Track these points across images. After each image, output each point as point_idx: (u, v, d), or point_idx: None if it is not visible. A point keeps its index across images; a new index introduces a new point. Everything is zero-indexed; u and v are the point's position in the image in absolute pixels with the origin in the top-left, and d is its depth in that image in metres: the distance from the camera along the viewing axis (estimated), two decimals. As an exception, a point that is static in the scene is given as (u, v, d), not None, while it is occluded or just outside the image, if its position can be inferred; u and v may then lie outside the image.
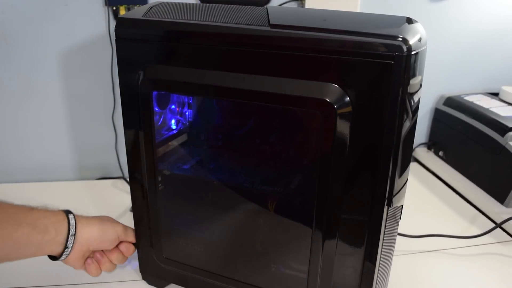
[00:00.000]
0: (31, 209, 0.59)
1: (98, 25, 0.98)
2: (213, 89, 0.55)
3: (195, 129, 0.73)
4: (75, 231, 0.61)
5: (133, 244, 0.71)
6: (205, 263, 0.69)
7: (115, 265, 0.70)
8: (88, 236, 0.63)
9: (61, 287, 0.71)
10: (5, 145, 1.06)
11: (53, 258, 0.63)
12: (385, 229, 0.54)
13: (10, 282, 0.71)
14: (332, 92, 0.48)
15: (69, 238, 0.61)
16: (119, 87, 0.60)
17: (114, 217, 0.81)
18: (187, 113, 0.73)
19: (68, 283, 0.72)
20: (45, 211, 0.60)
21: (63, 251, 0.61)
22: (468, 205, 1.01)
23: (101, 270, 0.68)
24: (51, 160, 1.10)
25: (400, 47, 0.44)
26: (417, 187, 1.09)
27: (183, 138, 0.73)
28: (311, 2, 0.99)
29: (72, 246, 0.61)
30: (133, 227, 0.70)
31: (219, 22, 0.52)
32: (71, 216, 0.62)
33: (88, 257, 0.67)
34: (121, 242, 0.69)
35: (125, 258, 0.71)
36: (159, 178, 0.66)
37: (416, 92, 0.50)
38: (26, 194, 1.01)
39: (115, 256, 0.69)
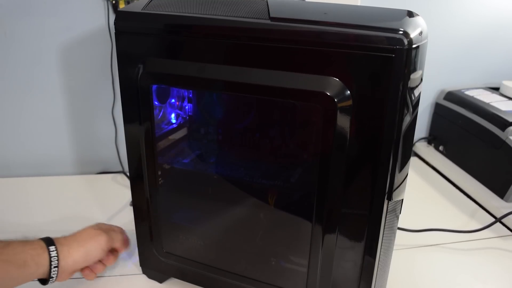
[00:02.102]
0: (7, 244, 0.57)
1: (97, 18, 0.98)
2: (213, 82, 0.55)
3: (195, 123, 0.73)
4: (58, 262, 0.60)
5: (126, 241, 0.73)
6: (205, 257, 0.69)
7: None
8: (72, 263, 0.62)
9: (62, 284, 0.71)
10: (5, 139, 1.06)
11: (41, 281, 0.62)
12: (385, 223, 0.54)
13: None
14: (332, 85, 0.47)
15: (52, 270, 0.59)
16: (119, 81, 0.60)
17: (114, 211, 0.82)
18: (187, 107, 0.73)
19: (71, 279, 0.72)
20: (23, 244, 0.58)
21: (48, 280, 0.60)
22: (468, 199, 1.01)
23: (95, 273, 0.69)
24: (51, 155, 1.10)
25: (401, 41, 0.44)
26: (417, 181, 1.09)
27: (183, 132, 0.73)
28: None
29: (56, 276, 0.61)
30: (132, 221, 0.70)
31: (219, 15, 0.52)
32: (51, 248, 0.60)
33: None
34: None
35: (115, 258, 0.72)
36: (159, 172, 0.65)
37: (417, 86, 0.50)
38: (26, 189, 1.01)
39: (105, 261, 0.70)
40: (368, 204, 0.52)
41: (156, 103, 0.65)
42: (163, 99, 0.68)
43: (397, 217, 0.56)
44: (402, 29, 0.44)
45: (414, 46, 0.44)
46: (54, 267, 0.59)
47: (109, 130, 1.08)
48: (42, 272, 0.59)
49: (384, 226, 0.54)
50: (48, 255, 0.59)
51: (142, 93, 0.59)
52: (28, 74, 1.00)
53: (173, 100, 0.71)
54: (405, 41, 0.44)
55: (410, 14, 0.49)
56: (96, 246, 0.66)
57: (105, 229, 0.70)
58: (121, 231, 0.74)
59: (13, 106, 1.03)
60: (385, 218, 0.53)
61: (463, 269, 0.77)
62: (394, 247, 0.59)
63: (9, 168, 1.08)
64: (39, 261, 0.58)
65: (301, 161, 0.67)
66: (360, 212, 0.53)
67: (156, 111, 0.65)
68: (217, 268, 0.67)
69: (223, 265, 0.67)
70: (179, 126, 0.72)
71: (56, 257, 0.60)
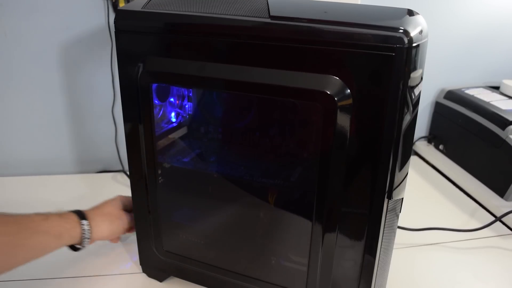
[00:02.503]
0: (47, 217, 0.63)
1: (97, 17, 0.97)
2: (213, 81, 0.54)
3: (195, 121, 0.73)
4: (87, 235, 0.67)
5: None
6: (205, 256, 0.69)
7: None
8: (100, 236, 0.70)
9: (63, 280, 0.71)
10: (5, 138, 1.06)
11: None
12: (385, 222, 0.54)
13: (13, 276, 0.71)
14: (332, 84, 0.47)
15: (83, 241, 0.67)
16: (119, 80, 0.60)
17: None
18: (187, 106, 0.73)
19: (69, 276, 0.72)
20: (59, 217, 0.65)
21: (79, 249, 0.68)
22: (468, 198, 1.01)
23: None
24: (51, 154, 1.10)
25: (401, 39, 0.44)
26: (417, 180, 1.09)
27: (183, 131, 0.73)
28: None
29: (86, 245, 0.68)
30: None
31: (219, 13, 0.52)
32: (84, 222, 0.66)
33: None
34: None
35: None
36: (159, 171, 0.65)
37: (417, 85, 0.49)
38: (26, 187, 1.01)
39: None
40: (368, 203, 0.52)
41: (156, 102, 0.65)
42: (163, 98, 0.68)
43: (397, 216, 0.56)
44: (402, 28, 0.44)
45: (414, 44, 0.44)
46: (86, 238, 0.66)
47: (109, 129, 1.08)
48: (74, 241, 0.66)
49: (384, 225, 0.54)
50: (80, 229, 0.66)
51: (142, 92, 0.59)
52: (28, 73, 1.00)
53: (173, 99, 0.70)
54: (406, 40, 0.44)
55: (410, 12, 0.49)
56: (120, 226, 0.72)
57: (129, 208, 0.75)
58: None
59: (13, 105, 1.03)
60: (385, 217, 0.53)
61: (463, 268, 0.77)
62: (394, 246, 0.59)
63: (9, 167, 1.08)
64: (72, 234, 0.65)
65: (301, 160, 0.67)
66: (360, 211, 0.53)
67: (156, 110, 0.65)
68: (217, 267, 0.67)
69: (223, 264, 0.67)
70: (179, 125, 0.72)
71: (88, 231, 0.67)
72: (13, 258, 0.58)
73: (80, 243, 0.67)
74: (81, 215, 0.68)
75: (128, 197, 0.75)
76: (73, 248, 0.68)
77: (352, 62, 0.47)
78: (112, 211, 0.72)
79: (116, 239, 0.76)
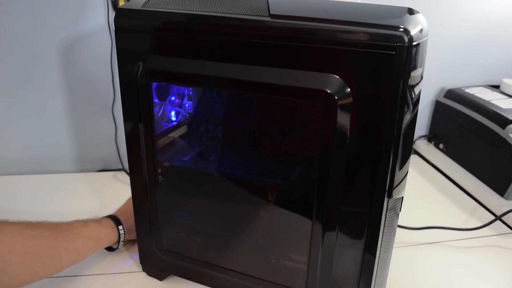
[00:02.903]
0: (86, 223, 0.70)
1: (97, 16, 0.97)
2: (213, 80, 0.54)
3: (195, 120, 0.73)
4: (124, 238, 0.74)
5: None
6: (205, 255, 0.69)
7: None
8: (132, 237, 0.76)
9: (63, 279, 0.71)
10: (5, 137, 1.06)
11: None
12: (385, 221, 0.54)
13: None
14: (332, 83, 0.47)
15: (120, 244, 0.75)
16: (119, 79, 0.60)
17: (114, 209, 0.82)
18: (187, 105, 0.73)
19: (70, 275, 0.72)
20: (97, 224, 0.71)
21: (115, 249, 0.76)
22: (468, 197, 1.01)
23: None
24: (51, 152, 1.10)
25: (401, 38, 0.44)
26: (417, 179, 1.09)
27: (183, 129, 0.73)
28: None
29: (121, 246, 0.76)
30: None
31: (219, 12, 0.52)
32: (120, 227, 0.74)
33: None
34: None
35: None
36: (159, 170, 0.65)
37: (417, 84, 0.49)
38: (26, 187, 1.01)
39: None
40: (368, 202, 0.52)
41: (156, 100, 0.65)
42: (163, 96, 0.68)
43: (397, 215, 0.56)
44: (402, 27, 0.44)
45: (414, 43, 0.44)
46: (121, 241, 0.74)
47: (109, 128, 1.08)
48: (111, 244, 0.74)
49: (384, 224, 0.54)
50: (118, 233, 0.73)
51: (142, 91, 0.58)
52: (27, 72, 1.00)
53: (173, 98, 0.70)
54: (406, 39, 0.44)
55: (411, 11, 0.49)
56: None
57: None
58: None
59: (12, 104, 1.03)
60: (385, 216, 0.53)
61: (463, 267, 0.77)
62: (394, 245, 0.59)
63: (9, 166, 1.08)
64: (110, 238, 0.72)
65: (301, 158, 0.67)
66: (360, 210, 0.53)
67: (156, 109, 0.65)
68: (217, 265, 0.67)
69: (223, 263, 0.67)
70: (179, 124, 0.72)
71: (123, 234, 0.74)
72: (61, 260, 0.64)
73: (117, 245, 0.75)
74: (115, 220, 0.74)
75: None
76: (109, 249, 0.76)
77: (352, 60, 0.47)
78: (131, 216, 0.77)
79: None
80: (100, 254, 0.77)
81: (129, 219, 0.75)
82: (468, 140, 1.07)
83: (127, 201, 0.81)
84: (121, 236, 0.74)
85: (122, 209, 0.79)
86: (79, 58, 1.01)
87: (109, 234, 0.72)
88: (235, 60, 0.52)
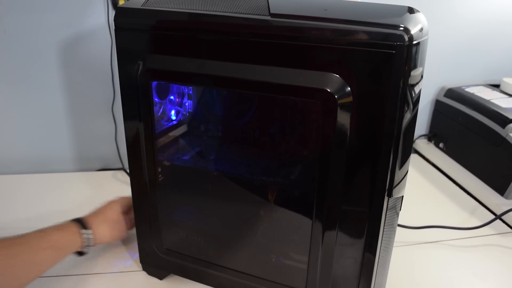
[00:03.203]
0: (46, 233, 0.65)
1: (97, 15, 0.97)
2: (213, 79, 0.54)
3: (195, 119, 0.73)
4: (90, 242, 0.70)
5: None
6: (205, 254, 0.69)
7: None
8: (101, 241, 0.72)
9: (62, 278, 0.72)
10: (4, 136, 1.06)
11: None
12: (385, 220, 0.54)
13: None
14: (333, 82, 0.47)
15: (85, 249, 0.70)
16: (119, 78, 0.60)
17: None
18: (186, 104, 0.73)
19: (69, 274, 0.72)
20: (59, 231, 0.67)
21: (83, 254, 0.71)
22: (468, 196, 1.01)
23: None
24: (51, 152, 1.10)
25: (401, 37, 0.44)
26: (417, 178, 1.09)
27: (183, 129, 0.73)
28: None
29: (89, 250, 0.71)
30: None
31: (219, 11, 0.52)
32: (84, 232, 0.69)
33: None
34: None
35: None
36: (159, 169, 0.65)
37: (417, 83, 0.49)
38: (26, 186, 1.01)
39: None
40: (368, 201, 0.52)
41: (156, 99, 0.65)
42: (163, 95, 0.68)
43: (397, 214, 0.56)
44: (402, 25, 0.44)
45: (414, 42, 0.44)
46: (87, 246, 0.69)
47: (109, 127, 1.08)
48: (77, 249, 0.69)
49: (384, 223, 0.54)
50: (82, 239, 0.68)
51: (142, 90, 0.58)
52: (27, 71, 1.00)
53: (173, 97, 0.70)
54: (406, 38, 0.44)
55: (411, 10, 0.49)
56: (121, 231, 0.75)
57: (129, 209, 0.76)
58: None
59: (13, 103, 1.03)
60: (385, 215, 0.53)
61: (463, 266, 0.77)
62: (394, 244, 0.59)
63: (9, 165, 1.08)
64: (74, 244, 0.68)
65: (301, 157, 0.67)
66: (360, 209, 0.53)
67: (156, 108, 0.65)
68: (217, 264, 0.67)
69: (223, 262, 0.67)
70: (179, 123, 0.72)
71: (89, 239, 0.69)
72: (20, 277, 0.60)
73: (82, 249, 0.70)
74: (81, 223, 0.69)
75: (128, 197, 0.76)
76: (78, 253, 0.70)
77: (352, 59, 0.47)
78: (112, 216, 0.74)
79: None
80: (100, 253, 0.77)
81: (103, 224, 0.72)
82: (468, 139, 1.07)
83: (108, 204, 0.76)
84: (85, 241, 0.69)
85: (96, 212, 0.74)
86: (79, 57, 1.01)
87: (73, 241, 0.67)
88: (235, 59, 0.52)
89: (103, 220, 0.72)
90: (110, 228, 0.73)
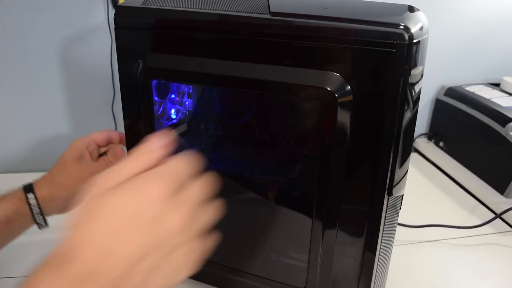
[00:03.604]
0: None
1: (97, 13, 0.97)
2: (213, 77, 0.54)
3: (195, 118, 0.73)
4: (40, 209, 0.57)
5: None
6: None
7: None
8: (55, 209, 0.59)
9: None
10: (4, 135, 1.06)
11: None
12: (385, 219, 0.54)
13: (9, 273, 0.71)
14: (333, 80, 0.47)
15: (36, 218, 0.58)
16: (119, 77, 0.60)
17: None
18: (187, 103, 0.73)
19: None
20: (2, 200, 0.57)
21: (39, 227, 0.59)
22: (468, 195, 1.01)
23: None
24: (51, 150, 1.09)
25: (401, 35, 0.44)
26: (417, 177, 1.09)
27: (183, 127, 0.73)
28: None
29: (44, 220, 0.58)
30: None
31: (219, 10, 0.52)
32: (30, 196, 0.57)
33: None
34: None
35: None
36: (159, 168, 0.65)
37: (417, 82, 0.49)
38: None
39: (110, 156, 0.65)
40: (368, 199, 0.52)
41: (156, 98, 0.65)
42: (163, 94, 0.68)
43: (397, 213, 0.56)
44: (403, 24, 0.44)
45: (415, 41, 0.44)
46: (37, 213, 0.57)
47: (109, 126, 1.08)
48: (28, 221, 0.58)
49: (384, 222, 0.54)
50: (28, 206, 0.57)
51: (142, 89, 0.58)
52: (27, 70, 1.00)
53: (173, 96, 0.70)
54: (406, 36, 0.44)
55: (411, 9, 0.49)
56: (76, 183, 0.61)
57: (99, 148, 0.65)
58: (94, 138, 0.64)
59: (12, 102, 1.03)
60: (385, 214, 0.53)
61: (463, 265, 0.77)
62: (394, 243, 0.59)
63: (8, 164, 1.08)
64: (21, 212, 0.57)
65: (301, 156, 0.67)
66: (360, 208, 0.53)
67: (156, 107, 0.65)
68: (217, 263, 0.67)
69: (222, 260, 0.67)
70: (179, 122, 0.72)
71: (36, 205, 0.58)
72: None
73: (35, 219, 0.58)
74: (27, 188, 0.58)
75: (98, 134, 0.65)
76: (39, 225, 0.60)
77: (352, 58, 0.47)
78: (61, 170, 0.62)
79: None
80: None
81: (55, 188, 0.59)
82: (468, 138, 1.07)
83: (62, 155, 0.63)
84: (32, 207, 0.57)
85: (50, 174, 0.62)
86: (79, 56, 1.01)
87: (18, 210, 0.56)
88: (235, 58, 0.52)
89: (51, 182, 0.59)
90: (63, 179, 0.60)
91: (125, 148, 0.64)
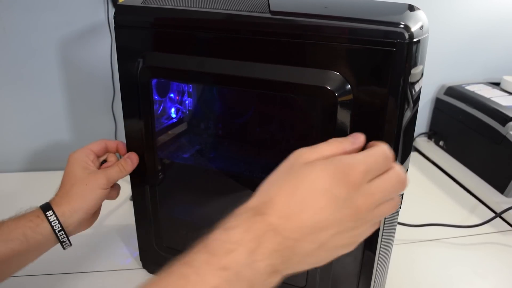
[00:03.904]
0: (1, 223, 0.55)
1: (97, 12, 0.97)
2: (213, 76, 0.54)
3: (195, 117, 0.73)
4: (61, 225, 0.56)
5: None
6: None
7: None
8: (76, 218, 0.58)
9: (61, 276, 0.72)
10: (4, 134, 1.06)
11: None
12: (385, 218, 0.54)
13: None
14: (333, 79, 0.47)
15: (59, 235, 0.56)
16: (119, 76, 0.60)
17: (114, 206, 0.82)
18: (186, 102, 0.73)
19: (68, 272, 0.72)
20: (18, 220, 0.55)
21: (63, 245, 0.58)
22: (468, 194, 1.01)
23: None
24: (51, 149, 1.10)
25: (402, 34, 0.43)
26: (417, 176, 1.09)
27: (183, 126, 0.73)
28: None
29: (67, 238, 0.57)
30: (132, 216, 0.70)
31: (219, 8, 0.52)
32: (49, 213, 0.56)
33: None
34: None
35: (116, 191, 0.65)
36: (159, 167, 0.65)
37: (418, 81, 0.49)
38: (26, 184, 1.01)
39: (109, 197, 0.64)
40: (369, 198, 0.52)
41: (156, 97, 0.65)
42: (163, 93, 0.68)
43: (397, 212, 0.56)
44: (403, 23, 0.44)
45: (415, 40, 0.44)
46: (59, 231, 0.56)
47: (109, 125, 1.08)
48: (52, 238, 0.56)
49: (384, 221, 0.54)
50: (48, 223, 0.55)
51: (142, 88, 0.58)
52: (27, 69, 1.00)
53: (172, 95, 0.70)
54: (406, 35, 0.44)
55: (411, 8, 0.49)
56: (96, 193, 0.59)
57: (99, 156, 0.64)
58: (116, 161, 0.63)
59: (12, 101, 1.03)
60: (385, 213, 0.53)
61: (463, 264, 0.77)
62: (394, 242, 0.59)
63: (8, 163, 1.08)
64: (39, 230, 0.55)
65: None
66: (360, 207, 0.53)
67: (156, 106, 0.65)
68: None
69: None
70: (179, 121, 0.72)
71: (56, 221, 0.56)
72: None
73: (57, 238, 0.56)
74: (45, 208, 0.57)
75: (95, 144, 0.63)
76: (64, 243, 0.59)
77: (352, 57, 0.46)
78: (74, 183, 0.60)
79: (113, 193, 0.64)
80: (99, 250, 0.78)
81: (70, 197, 0.58)
82: (468, 138, 1.07)
83: (65, 169, 0.63)
84: (52, 223, 0.55)
85: (63, 190, 0.60)
86: (79, 55, 1.01)
87: (36, 227, 0.55)
88: (235, 57, 0.52)
89: (66, 194, 0.58)
90: (78, 197, 0.58)
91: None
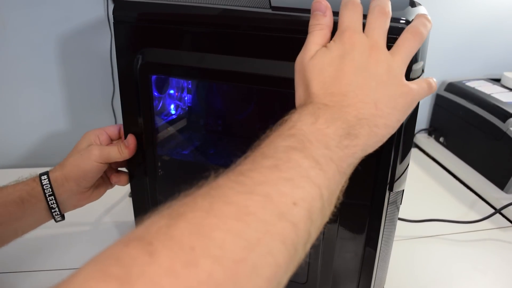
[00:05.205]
0: (1, 189, 0.58)
1: (96, 8, 0.97)
2: (213, 72, 0.54)
3: (194, 114, 0.73)
4: (52, 190, 0.58)
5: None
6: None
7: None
8: (69, 185, 0.59)
9: (62, 272, 0.72)
10: (4, 130, 1.06)
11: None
12: (386, 214, 0.54)
13: (13, 267, 0.71)
14: (334, 76, 0.47)
15: (48, 200, 0.58)
16: (117, 72, 0.59)
17: (113, 202, 0.81)
18: (186, 98, 0.72)
19: (68, 268, 0.72)
20: (16, 184, 0.59)
21: (54, 215, 0.59)
22: (468, 190, 1.01)
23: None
24: (50, 146, 1.10)
25: (403, 30, 0.43)
26: (417, 172, 1.09)
27: (182, 123, 0.73)
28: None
29: (58, 205, 0.58)
30: (131, 213, 0.70)
31: (219, 4, 0.52)
32: (43, 177, 0.58)
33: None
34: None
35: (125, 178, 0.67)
36: (159, 164, 0.65)
37: (418, 77, 0.49)
38: (26, 180, 1.01)
39: (112, 179, 0.66)
40: (370, 195, 0.52)
41: (155, 94, 0.64)
42: (162, 89, 0.68)
43: (398, 208, 0.56)
44: (404, 19, 0.44)
45: (416, 35, 0.44)
46: (49, 195, 0.58)
47: (108, 122, 1.08)
48: (44, 206, 0.58)
49: (386, 217, 0.54)
50: (41, 186, 0.57)
51: (141, 84, 0.58)
52: (27, 65, 1.00)
53: (172, 91, 0.70)
54: (408, 31, 0.43)
55: (413, 3, 0.49)
56: (91, 159, 0.60)
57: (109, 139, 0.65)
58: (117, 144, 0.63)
59: (11, 97, 1.02)
60: (386, 209, 0.53)
61: (463, 260, 0.77)
62: (395, 238, 0.59)
63: (8, 159, 1.08)
64: (34, 193, 0.57)
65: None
66: (362, 203, 0.53)
67: (155, 102, 0.65)
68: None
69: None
70: (179, 117, 0.72)
71: (48, 185, 0.58)
72: None
73: (48, 203, 0.58)
74: (42, 173, 0.59)
75: (111, 126, 0.66)
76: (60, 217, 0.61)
77: (353, 53, 0.46)
78: (72, 153, 0.62)
79: (123, 178, 0.66)
80: (99, 247, 0.77)
81: (66, 168, 0.59)
82: (469, 134, 1.07)
83: (73, 153, 0.62)
84: (44, 186, 0.57)
85: (64, 160, 0.62)
86: (78, 51, 1.01)
87: (31, 190, 0.57)
88: (235, 53, 0.52)
89: (64, 163, 0.60)
90: (74, 160, 0.60)
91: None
